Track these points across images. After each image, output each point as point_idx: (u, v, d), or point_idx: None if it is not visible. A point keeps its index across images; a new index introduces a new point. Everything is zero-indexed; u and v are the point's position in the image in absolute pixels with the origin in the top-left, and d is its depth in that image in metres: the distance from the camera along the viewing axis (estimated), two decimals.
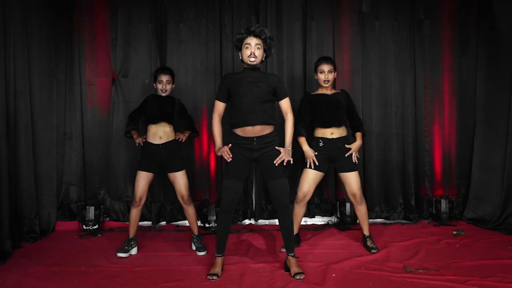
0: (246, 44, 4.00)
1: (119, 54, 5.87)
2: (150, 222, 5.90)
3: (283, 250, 4.52)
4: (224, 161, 4.12)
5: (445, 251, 4.71)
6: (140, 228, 5.57)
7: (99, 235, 5.45)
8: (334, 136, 4.71)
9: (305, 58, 5.91)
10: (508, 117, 5.35)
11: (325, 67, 4.73)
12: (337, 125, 4.74)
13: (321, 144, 4.71)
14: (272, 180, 4.02)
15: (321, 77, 4.75)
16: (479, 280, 3.79)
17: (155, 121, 4.83)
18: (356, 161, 4.74)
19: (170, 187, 5.63)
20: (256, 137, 4.01)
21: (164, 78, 4.81)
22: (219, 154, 4.08)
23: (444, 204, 5.72)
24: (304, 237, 5.19)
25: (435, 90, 5.99)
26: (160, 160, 4.83)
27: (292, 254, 4.08)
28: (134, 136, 4.88)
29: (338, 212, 5.74)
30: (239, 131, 4.03)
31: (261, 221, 5.97)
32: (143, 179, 4.76)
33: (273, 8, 5.87)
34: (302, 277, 3.91)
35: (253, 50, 3.97)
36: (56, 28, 5.65)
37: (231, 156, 3.99)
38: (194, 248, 4.85)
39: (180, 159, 4.90)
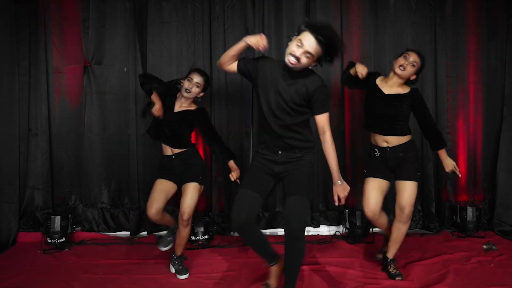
0: (299, 39, 2.89)
1: (92, 37, 4.86)
2: (128, 233, 4.89)
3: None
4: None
5: (479, 272, 3.75)
6: (115, 240, 4.77)
7: (66, 249, 4.45)
8: None
9: None
10: None
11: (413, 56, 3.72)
12: None
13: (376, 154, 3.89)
14: (290, 196, 3.07)
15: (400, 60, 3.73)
16: None
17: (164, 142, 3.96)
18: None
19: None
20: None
21: (196, 78, 3.84)
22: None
23: (470, 212, 4.69)
24: (308, 253, 4.10)
25: (459, 79, 4.98)
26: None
27: None
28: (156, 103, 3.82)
29: (347, 222, 4.70)
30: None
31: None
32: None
33: None
34: None
35: (301, 53, 2.87)
36: (17, 6, 4.72)
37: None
38: (173, 270, 3.82)
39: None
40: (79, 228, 4.86)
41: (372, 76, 3.81)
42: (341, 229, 4.88)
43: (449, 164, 3.79)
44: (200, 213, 4.73)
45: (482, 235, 4.61)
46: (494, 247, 4.28)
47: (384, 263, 3.78)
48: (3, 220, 4.50)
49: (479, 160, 5.02)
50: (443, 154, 3.83)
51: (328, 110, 3.09)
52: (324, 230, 4.97)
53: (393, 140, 3.74)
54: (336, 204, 3.12)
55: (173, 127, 3.83)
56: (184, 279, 3.68)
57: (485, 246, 4.31)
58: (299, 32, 2.91)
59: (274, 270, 3.24)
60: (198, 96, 3.88)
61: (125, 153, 4.89)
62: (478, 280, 3.55)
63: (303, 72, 3.01)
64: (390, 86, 3.75)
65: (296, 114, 3.05)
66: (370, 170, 3.79)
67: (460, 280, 3.54)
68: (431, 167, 4.89)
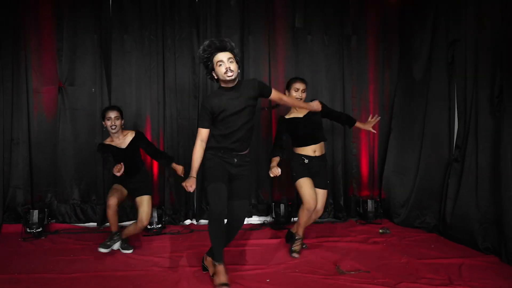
0: (218, 62, 3.15)
1: (65, 63, 5.13)
2: (95, 224, 5.17)
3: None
4: (205, 168, 3.39)
5: (374, 251, 4.14)
6: (84, 230, 5.04)
7: (43, 237, 4.70)
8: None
9: (243, 69, 5.29)
10: (422, 125, 4.94)
11: (301, 86, 4.07)
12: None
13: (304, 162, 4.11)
14: (238, 200, 3.34)
15: (295, 94, 4.04)
16: (410, 283, 3.20)
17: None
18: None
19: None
20: (238, 154, 3.38)
21: (112, 114, 4.12)
22: (187, 184, 3.20)
23: (370, 204, 5.21)
24: (241, 237, 4.54)
25: (362, 99, 5.50)
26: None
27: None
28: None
29: (273, 213, 5.14)
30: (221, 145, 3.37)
31: (202, 221, 5.30)
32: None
33: (212, 21, 5.23)
34: None
35: (227, 65, 3.13)
36: (1, 37, 4.94)
37: (193, 188, 3.22)
38: (117, 247, 4.21)
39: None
40: (54, 220, 5.09)
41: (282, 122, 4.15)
42: (268, 218, 5.31)
43: (368, 125, 4.24)
44: (154, 206, 4.90)
45: (379, 222, 5.13)
46: (387, 231, 4.73)
47: (292, 239, 4.10)
48: None
49: (376, 163, 5.52)
50: (360, 124, 4.27)
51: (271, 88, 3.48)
52: (255, 219, 5.37)
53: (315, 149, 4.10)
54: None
55: (130, 159, 4.13)
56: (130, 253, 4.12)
57: (380, 230, 4.75)
58: (211, 61, 3.15)
59: (221, 268, 3.19)
60: (122, 124, 4.17)
61: (92, 159, 5.12)
62: (373, 255, 3.92)
63: (238, 85, 3.27)
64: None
65: (250, 116, 3.32)
66: (298, 172, 4.02)
67: (359, 256, 3.92)
68: (340, 168, 5.37)
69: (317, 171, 4.08)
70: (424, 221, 4.87)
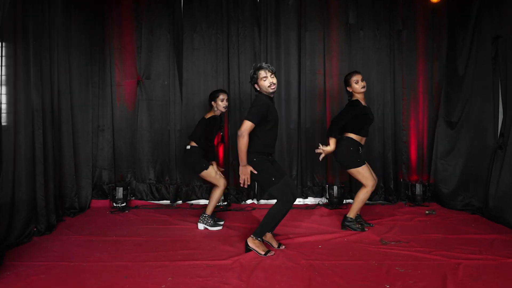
0: (262, 77, 3.89)
1: (143, 59, 5.98)
2: (168, 201, 6.02)
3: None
4: (259, 172, 3.89)
5: (416, 227, 4.77)
6: (160, 206, 5.85)
7: (127, 211, 5.58)
8: None
9: (300, 62, 5.96)
10: (467, 114, 5.47)
11: (358, 77, 4.53)
12: None
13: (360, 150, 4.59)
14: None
15: (357, 86, 4.50)
16: (442, 251, 3.86)
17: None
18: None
19: (185, 171, 5.92)
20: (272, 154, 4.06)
21: (225, 96, 4.88)
22: (243, 173, 3.83)
23: (418, 188, 5.77)
24: (298, 214, 5.30)
25: (411, 90, 6.02)
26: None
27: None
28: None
29: (327, 194, 5.80)
30: (268, 151, 3.96)
31: (262, 201, 6.06)
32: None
33: (272, 20, 5.93)
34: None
35: (271, 80, 3.88)
36: (91, 38, 5.79)
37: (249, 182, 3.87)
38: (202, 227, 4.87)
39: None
40: (134, 197, 5.97)
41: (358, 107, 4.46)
42: (323, 199, 5.95)
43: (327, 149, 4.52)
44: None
45: (426, 205, 5.70)
46: (433, 212, 5.30)
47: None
48: (82, 190, 5.59)
49: (425, 150, 6.03)
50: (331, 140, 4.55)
51: None
52: (311, 200, 6.04)
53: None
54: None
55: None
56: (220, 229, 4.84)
57: (426, 212, 5.34)
58: (256, 71, 3.90)
59: (270, 236, 4.12)
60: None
61: (166, 143, 5.97)
62: (415, 231, 4.56)
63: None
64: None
65: None
66: (361, 159, 4.52)
67: (402, 231, 4.56)
68: (391, 154, 5.93)
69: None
70: (469, 204, 5.42)
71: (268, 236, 4.13)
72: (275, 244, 4.07)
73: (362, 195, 4.59)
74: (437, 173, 5.89)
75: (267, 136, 3.90)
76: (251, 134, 3.83)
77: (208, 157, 4.95)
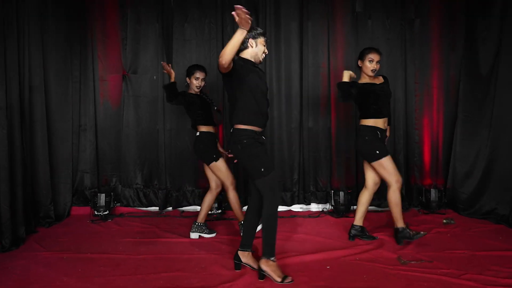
0: (264, 42, 3.31)
1: (129, 52, 5.46)
2: (157, 208, 5.48)
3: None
4: (251, 155, 3.22)
5: (437, 240, 4.12)
6: (147, 214, 5.31)
7: (109, 220, 5.03)
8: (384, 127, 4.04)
9: (302, 55, 5.41)
10: (490, 111, 4.86)
11: (375, 57, 3.96)
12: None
13: (379, 136, 3.96)
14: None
15: (369, 66, 3.96)
16: (474, 274, 3.21)
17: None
18: None
19: (176, 175, 5.41)
20: (261, 132, 3.36)
21: (201, 75, 4.36)
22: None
23: (433, 193, 5.16)
24: (301, 224, 4.72)
25: (425, 85, 5.44)
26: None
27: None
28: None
29: (332, 200, 5.21)
30: (255, 128, 3.26)
31: None
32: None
33: (271, 9, 5.37)
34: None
35: (267, 51, 3.37)
36: (70, 28, 5.29)
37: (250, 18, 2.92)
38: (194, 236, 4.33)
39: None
40: (119, 204, 5.43)
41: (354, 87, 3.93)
42: (327, 206, 5.40)
43: None
44: None
45: (443, 212, 5.08)
46: (452, 221, 4.68)
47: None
48: (60, 196, 5.05)
49: (440, 151, 5.44)
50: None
51: None
52: (314, 207, 5.47)
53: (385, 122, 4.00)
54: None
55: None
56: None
57: (444, 221, 4.72)
58: (259, 37, 3.25)
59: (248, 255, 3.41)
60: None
61: (154, 144, 5.44)
62: (436, 246, 3.90)
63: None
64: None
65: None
66: (382, 150, 3.90)
67: (421, 246, 3.89)
68: (402, 156, 5.35)
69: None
70: (492, 212, 4.80)
71: (246, 257, 3.41)
72: (255, 265, 3.35)
73: (393, 197, 3.95)
74: (455, 176, 5.28)
75: (251, 106, 3.23)
76: (235, 106, 3.24)
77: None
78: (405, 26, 5.38)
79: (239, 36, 2.92)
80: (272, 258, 3.21)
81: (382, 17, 5.37)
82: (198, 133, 4.31)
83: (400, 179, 3.94)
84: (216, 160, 4.22)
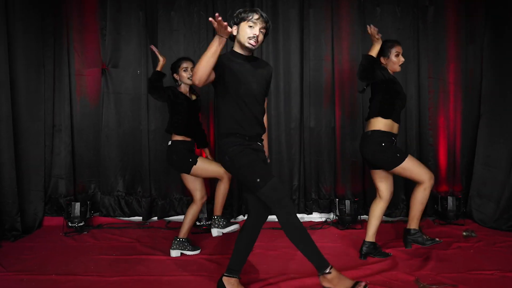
0: (250, 22, 2.71)
1: (109, 43, 4.93)
2: (141, 218, 4.94)
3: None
4: (241, 166, 2.72)
5: (459, 258, 3.54)
6: (129, 225, 4.79)
7: (85, 232, 4.47)
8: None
9: (302, 47, 4.91)
10: None
11: (400, 49, 3.56)
12: None
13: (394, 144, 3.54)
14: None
15: (397, 60, 3.54)
16: None
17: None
18: None
19: (162, 181, 4.96)
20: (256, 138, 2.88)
21: (189, 65, 3.87)
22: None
23: (450, 201, 4.60)
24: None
25: (440, 80, 4.91)
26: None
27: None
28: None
29: (337, 210, 4.66)
30: (244, 133, 2.80)
31: None
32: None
33: None
34: None
35: (257, 32, 2.71)
36: (42, 16, 4.78)
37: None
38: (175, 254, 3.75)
39: None
40: (98, 213, 4.91)
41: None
42: (331, 216, 4.87)
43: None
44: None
45: (461, 223, 4.53)
46: (473, 234, 4.16)
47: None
48: (30, 205, 4.54)
49: (458, 154, 4.94)
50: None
51: None
52: (316, 216, 4.96)
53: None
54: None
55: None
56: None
57: (464, 233, 4.19)
58: (243, 19, 2.73)
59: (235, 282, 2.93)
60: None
61: (138, 147, 4.95)
62: (459, 265, 3.38)
63: (257, 59, 2.94)
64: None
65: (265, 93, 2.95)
66: (400, 151, 3.51)
67: (442, 264, 3.38)
68: None
69: None
70: None
71: (231, 285, 2.85)
72: None
73: (421, 195, 3.53)
74: (477, 183, 4.73)
75: (238, 109, 2.76)
76: (220, 111, 2.82)
77: (198, 142, 4.02)
78: (418, 14, 4.89)
79: (215, 46, 2.49)
80: (327, 271, 2.71)
81: (392, 4, 4.88)
82: (170, 142, 3.79)
83: (433, 175, 3.53)
84: (195, 162, 3.69)
